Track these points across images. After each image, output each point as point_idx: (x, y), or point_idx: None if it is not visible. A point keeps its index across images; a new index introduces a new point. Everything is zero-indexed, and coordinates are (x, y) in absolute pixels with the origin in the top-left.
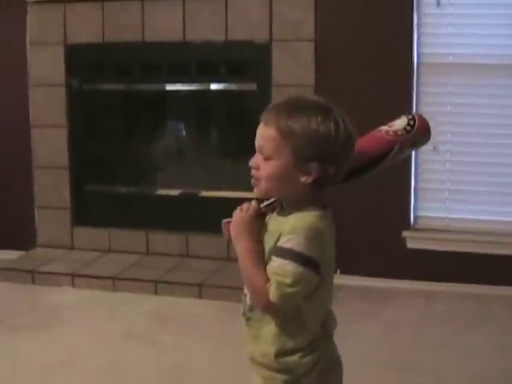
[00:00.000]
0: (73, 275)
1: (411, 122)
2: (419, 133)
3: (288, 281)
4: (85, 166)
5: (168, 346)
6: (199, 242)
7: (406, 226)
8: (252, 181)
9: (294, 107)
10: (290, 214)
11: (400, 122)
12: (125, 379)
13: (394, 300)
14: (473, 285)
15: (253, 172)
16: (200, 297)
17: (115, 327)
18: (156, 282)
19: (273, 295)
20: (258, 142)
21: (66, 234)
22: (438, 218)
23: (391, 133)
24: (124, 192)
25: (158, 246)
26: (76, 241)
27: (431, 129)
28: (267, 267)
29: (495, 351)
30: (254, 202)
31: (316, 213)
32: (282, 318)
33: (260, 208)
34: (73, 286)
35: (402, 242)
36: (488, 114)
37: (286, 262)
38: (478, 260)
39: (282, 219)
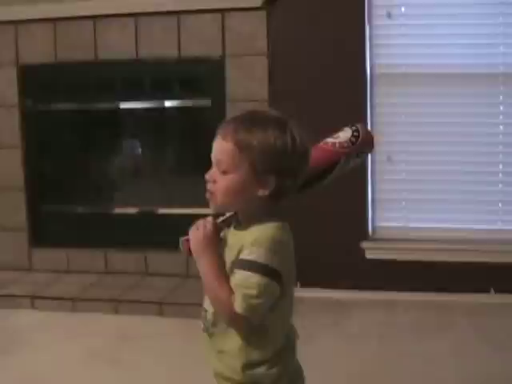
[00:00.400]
0: (32, 297)
1: (355, 134)
2: (364, 143)
3: (253, 292)
4: (41, 186)
5: (129, 365)
6: (158, 259)
7: (365, 236)
8: (207, 195)
9: (251, 121)
10: (249, 227)
11: (344, 134)
12: None
13: (354, 311)
14: (433, 293)
15: (209, 186)
16: (161, 314)
17: (76, 348)
18: (116, 301)
19: (239, 307)
20: (214, 155)
21: (23, 255)
22: (397, 227)
23: (337, 145)
24: (81, 211)
25: (116, 264)
26: (34, 262)
27: (375, 139)
28: (230, 280)
29: (458, 359)
30: (209, 218)
31: (276, 224)
32: (247, 331)
33: (216, 223)
34: (32, 307)
35: (361, 252)
36: (442, 123)
37: (250, 273)
38: (438, 268)
39: (241, 233)
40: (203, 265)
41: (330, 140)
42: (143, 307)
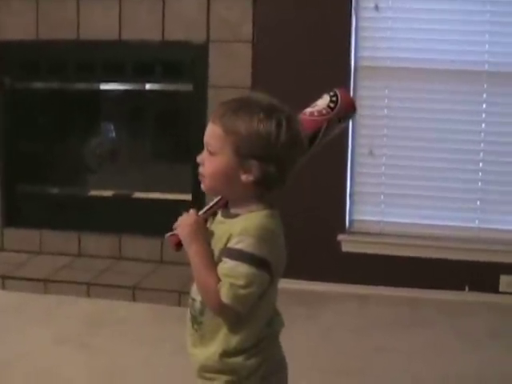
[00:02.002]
0: (3, 277)
1: (333, 99)
2: (344, 107)
3: (241, 282)
4: (16, 165)
5: (101, 350)
6: (132, 243)
7: (342, 229)
8: (199, 177)
9: (241, 106)
10: (238, 215)
11: (322, 101)
12: None
13: (329, 304)
14: (407, 288)
15: (199, 168)
16: (133, 300)
17: (47, 331)
18: (88, 285)
19: (225, 296)
20: (205, 138)
21: None
22: (373, 221)
23: (315, 113)
24: (56, 193)
25: (90, 247)
26: (6, 242)
27: (355, 100)
28: (218, 268)
29: (432, 354)
30: (192, 211)
31: (265, 212)
32: (234, 320)
33: (200, 215)
34: (3, 288)
35: (337, 245)
36: (424, 119)
37: (238, 263)
38: (413, 264)
39: (229, 221)
40: (192, 252)
41: (308, 110)
42: (116, 292)
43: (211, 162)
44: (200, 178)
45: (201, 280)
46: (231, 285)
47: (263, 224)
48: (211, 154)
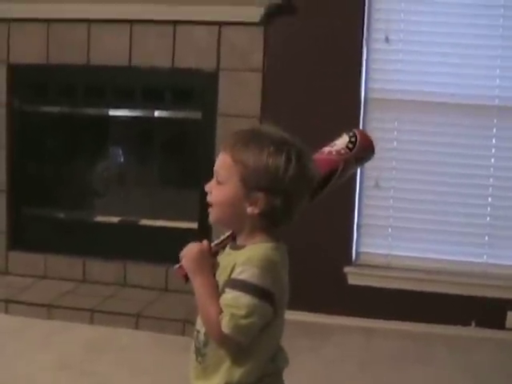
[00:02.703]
0: (6, 301)
1: (352, 139)
2: (362, 148)
3: (242, 312)
4: (23, 188)
5: (103, 377)
6: (137, 270)
7: (348, 261)
8: (208, 207)
9: (252, 138)
10: (243, 247)
11: (341, 141)
12: None
13: (334, 336)
14: (414, 323)
15: (207, 197)
16: (137, 327)
17: (49, 357)
18: (92, 311)
19: (226, 327)
20: (215, 167)
21: (0, 258)
22: (380, 254)
23: (334, 153)
24: (62, 217)
25: (95, 273)
26: (11, 265)
27: (374, 143)
28: (220, 299)
29: None
30: (205, 242)
31: (270, 244)
32: (236, 352)
33: (211, 247)
34: (6, 312)
35: (343, 277)
36: (433, 152)
37: (240, 293)
38: (419, 298)
39: (235, 253)
40: (197, 283)
41: (326, 149)
42: (119, 319)
43: (218, 191)
44: (208, 207)
45: (203, 310)
46: (232, 315)
47: (267, 255)
48: (219, 183)
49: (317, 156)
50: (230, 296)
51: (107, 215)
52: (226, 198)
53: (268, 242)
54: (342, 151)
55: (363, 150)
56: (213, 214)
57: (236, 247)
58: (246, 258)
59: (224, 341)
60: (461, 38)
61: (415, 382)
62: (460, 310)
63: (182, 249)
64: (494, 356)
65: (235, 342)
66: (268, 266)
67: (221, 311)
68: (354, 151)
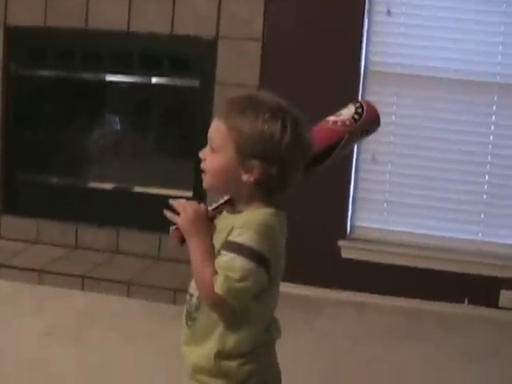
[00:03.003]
0: None
1: (359, 110)
2: (368, 120)
3: (236, 275)
4: (17, 153)
5: (93, 344)
6: (130, 238)
7: (343, 235)
8: (201, 174)
9: (248, 104)
10: (241, 212)
11: (347, 111)
12: (46, 378)
13: (327, 310)
14: (407, 299)
15: (201, 164)
16: (128, 295)
17: (39, 323)
18: (83, 278)
19: (219, 288)
20: (209, 133)
21: None
22: (375, 229)
23: (339, 123)
24: (56, 182)
25: (87, 240)
26: (3, 230)
27: (380, 115)
28: (216, 261)
29: (427, 368)
30: (202, 205)
31: (269, 210)
32: (229, 317)
33: (208, 211)
34: None
35: (337, 251)
36: (432, 128)
37: (236, 256)
38: (413, 274)
39: (232, 216)
40: (193, 244)
41: (331, 118)
42: (111, 286)
43: (213, 159)
44: (202, 174)
45: (198, 272)
46: (226, 277)
47: (266, 220)
48: (213, 150)
49: (321, 125)
50: (225, 258)
51: (101, 182)
52: (221, 166)
53: (267, 208)
54: (348, 122)
55: (369, 123)
56: (206, 181)
57: (234, 212)
58: (244, 221)
59: (216, 303)
60: (463, 13)
61: (406, 357)
62: (453, 287)
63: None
64: (486, 335)
65: (228, 305)
66: (265, 231)
67: (215, 273)
68: (359, 122)
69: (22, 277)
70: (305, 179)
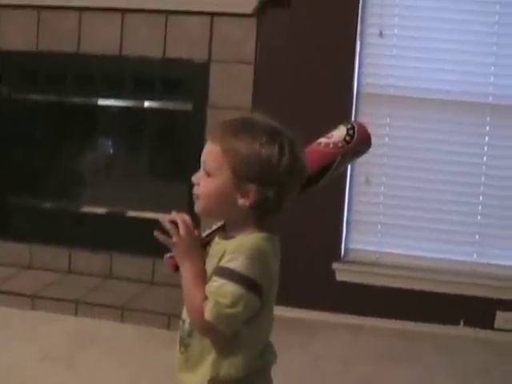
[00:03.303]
0: None
1: (350, 132)
2: (360, 142)
3: (227, 301)
4: (9, 176)
5: (87, 369)
6: (123, 262)
7: (337, 257)
8: (193, 198)
9: (242, 126)
10: (234, 237)
11: (338, 133)
12: None
13: (321, 333)
14: (402, 321)
15: (194, 189)
16: (122, 320)
17: (32, 348)
18: (76, 303)
19: (208, 314)
20: (202, 157)
21: None
22: (370, 251)
23: (331, 145)
24: (48, 207)
25: (80, 264)
26: None
27: (371, 136)
28: (206, 287)
29: None
30: (196, 231)
31: (261, 234)
32: (220, 342)
33: (202, 238)
34: None
35: (331, 273)
36: (425, 149)
37: (226, 282)
38: (408, 296)
39: (224, 242)
40: (185, 268)
41: (323, 140)
42: (104, 311)
43: (207, 183)
44: (194, 198)
45: (189, 297)
46: (216, 303)
47: (257, 245)
48: (208, 174)
49: (313, 147)
50: (216, 284)
51: (94, 206)
52: (216, 190)
53: (260, 233)
54: (340, 144)
55: (361, 144)
56: (200, 206)
57: (226, 237)
58: (235, 246)
59: (206, 329)
60: (455, 34)
61: (402, 380)
62: (449, 308)
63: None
64: (482, 356)
65: (218, 331)
66: (257, 256)
67: (206, 298)
68: (351, 144)
69: (14, 302)
70: (296, 199)
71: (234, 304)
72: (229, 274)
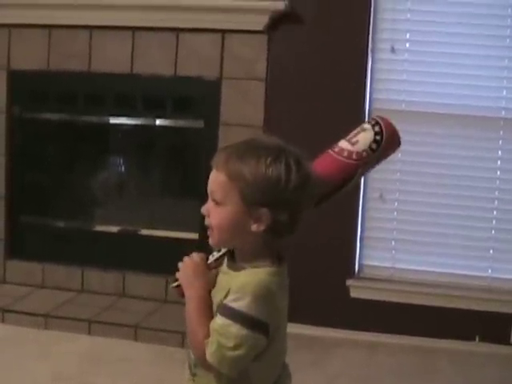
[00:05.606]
0: (3, 310)
1: (377, 138)
2: (387, 147)
3: (230, 344)
4: (22, 196)
5: None
6: (136, 281)
7: (351, 274)
8: (207, 231)
9: (245, 149)
10: (243, 268)
11: (364, 138)
12: None
13: (336, 350)
14: (417, 337)
15: (206, 220)
16: (135, 339)
17: (46, 367)
18: (90, 322)
19: (210, 356)
20: (209, 186)
21: None
22: (384, 267)
23: (354, 156)
24: (61, 226)
25: (93, 283)
26: (8, 274)
27: (400, 137)
28: (211, 323)
29: None
30: (202, 256)
31: (269, 270)
32: (225, 379)
33: (208, 263)
34: (2, 321)
35: (345, 290)
36: (439, 164)
37: (230, 322)
38: (423, 312)
39: (232, 273)
40: (188, 297)
41: (344, 145)
42: (117, 330)
43: (218, 213)
44: (208, 231)
45: (191, 329)
46: (219, 345)
47: (264, 282)
48: (217, 203)
49: (334, 156)
50: (220, 322)
51: (107, 225)
52: (228, 219)
53: (267, 266)
54: (364, 154)
55: (387, 150)
56: (214, 238)
57: (235, 268)
58: (240, 285)
59: (210, 367)
60: (467, 48)
61: None
62: (464, 324)
63: (181, 260)
64: (498, 372)
65: (220, 370)
66: (263, 295)
67: (208, 335)
68: (377, 153)
69: (27, 322)
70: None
71: (237, 347)
72: (233, 315)
